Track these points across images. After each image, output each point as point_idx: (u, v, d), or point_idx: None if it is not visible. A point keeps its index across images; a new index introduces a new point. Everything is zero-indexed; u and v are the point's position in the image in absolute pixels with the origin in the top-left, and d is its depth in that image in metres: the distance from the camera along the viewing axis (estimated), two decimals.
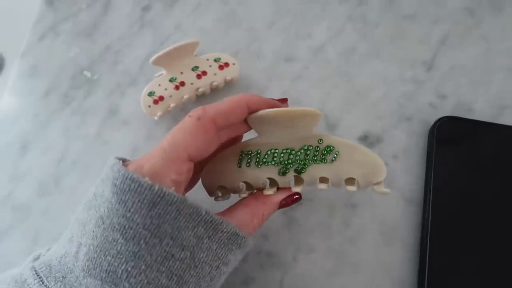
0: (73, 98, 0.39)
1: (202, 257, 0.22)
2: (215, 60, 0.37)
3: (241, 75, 0.38)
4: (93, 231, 0.21)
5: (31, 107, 0.39)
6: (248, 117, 0.26)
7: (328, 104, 0.37)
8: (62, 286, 0.21)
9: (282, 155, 0.27)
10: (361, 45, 0.40)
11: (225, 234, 0.23)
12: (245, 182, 0.28)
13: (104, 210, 0.21)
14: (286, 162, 0.27)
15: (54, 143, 0.37)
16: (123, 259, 0.21)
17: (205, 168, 0.28)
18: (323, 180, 0.27)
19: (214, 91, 0.38)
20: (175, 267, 0.22)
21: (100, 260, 0.21)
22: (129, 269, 0.21)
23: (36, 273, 0.22)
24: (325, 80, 0.38)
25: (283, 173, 0.27)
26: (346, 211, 0.33)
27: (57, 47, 0.41)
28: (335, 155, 0.27)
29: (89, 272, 0.21)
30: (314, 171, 0.27)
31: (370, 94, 0.37)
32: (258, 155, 0.27)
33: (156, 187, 0.21)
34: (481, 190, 0.32)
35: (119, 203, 0.21)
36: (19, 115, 0.39)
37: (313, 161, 0.27)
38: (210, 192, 0.28)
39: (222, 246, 0.23)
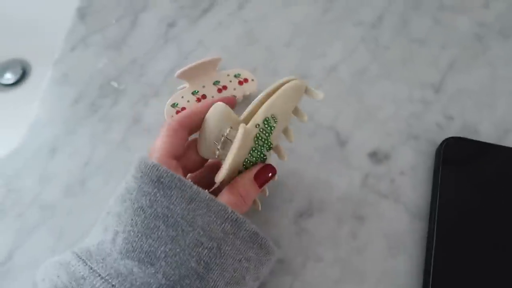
0: (100, 106, 0.42)
1: (227, 249, 0.26)
2: (235, 76, 0.39)
3: (258, 90, 0.40)
4: (132, 219, 0.25)
5: (60, 113, 0.42)
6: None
7: (340, 121, 0.39)
8: (104, 266, 0.24)
9: (250, 156, 0.30)
10: (372, 66, 0.42)
11: (247, 232, 0.27)
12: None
13: (146, 202, 0.25)
14: (257, 156, 0.30)
15: (81, 148, 0.40)
16: (163, 242, 0.25)
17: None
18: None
19: None
20: (204, 254, 0.25)
21: (141, 243, 0.25)
22: (167, 250, 0.24)
23: (78, 256, 0.25)
24: (338, 98, 0.41)
25: (263, 161, 0.31)
26: (353, 223, 0.35)
27: (87, 58, 0.44)
28: (274, 120, 0.30)
29: (127, 255, 0.25)
30: (274, 137, 0.30)
31: (380, 112, 0.39)
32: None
33: (195, 187, 0.26)
34: (485, 208, 0.34)
35: (164, 196, 0.25)
36: (49, 121, 0.41)
37: (268, 136, 0.30)
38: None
39: (244, 242, 0.27)
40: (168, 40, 0.45)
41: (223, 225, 0.26)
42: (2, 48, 0.70)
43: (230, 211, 0.26)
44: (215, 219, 0.26)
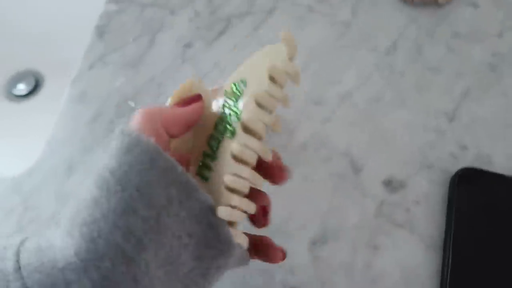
0: (117, 125, 0.42)
1: (168, 222, 0.20)
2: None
3: None
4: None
5: (77, 131, 0.42)
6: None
7: (354, 147, 0.40)
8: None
9: (215, 131, 0.25)
10: (387, 93, 0.42)
11: (197, 203, 0.21)
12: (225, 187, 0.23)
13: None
14: (222, 128, 0.24)
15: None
16: (84, 206, 0.19)
17: None
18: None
19: None
20: (136, 225, 0.19)
21: (70, 208, 0.20)
22: (86, 216, 0.19)
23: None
24: (352, 124, 0.41)
25: (232, 133, 0.23)
26: (368, 252, 0.35)
27: (105, 76, 0.45)
28: (243, 83, 0.24)
29: (63, 228, 0.20)
30: (245, 104, 0.23)
31: (395, 140, 0.40)
32: (206, 155, 0.25)
33: (134, 134, 0.20)
34: (499, 240, 0.34)
35: (108, 148, 0.21)
36: (67, 139, 0.42)
37: (236, 102, 0.24)
38: None
39: (191, 216, 0.21)
40: (185, 60, 0.45)
41: (168, 189, 0.20)
42: (16, 58, 0.71)
43: (179, 170, 0.20)
44: (157, 179, 0.20)
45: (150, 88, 0.44)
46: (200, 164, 0.25)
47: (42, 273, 0.18)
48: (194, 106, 0.25)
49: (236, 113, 0.24)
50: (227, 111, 0.24)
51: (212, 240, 0.22)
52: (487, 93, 0.42)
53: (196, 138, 0.25)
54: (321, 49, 0.45)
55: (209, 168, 0.24)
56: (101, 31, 0.47)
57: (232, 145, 0.23)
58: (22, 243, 0.20)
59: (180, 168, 0.20)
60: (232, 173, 0.22)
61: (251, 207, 0.24)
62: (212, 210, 0.22)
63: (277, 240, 0.36)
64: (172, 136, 0.23)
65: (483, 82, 0.42)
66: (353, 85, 0.43)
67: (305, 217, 0.37)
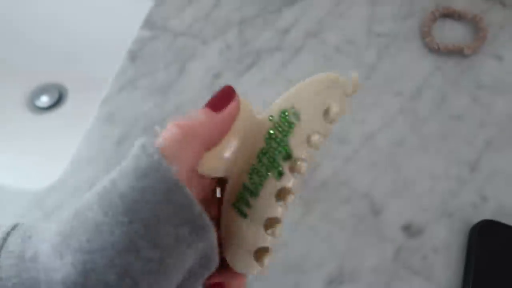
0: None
1: (171, 263, 0.18)
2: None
3: None
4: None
5: (103, 152, 0.43)
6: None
7: (375, 189, 0.40)
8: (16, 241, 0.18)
9: (259, 164, 0.23)
10: (410, 137, 0.43)
11: (205, 244, 0.20)
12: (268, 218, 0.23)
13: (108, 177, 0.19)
14: (269, 164, 0.23)
15: None
16: (84, 227, 0.17)
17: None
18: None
19: None
20: (135, 266, 0.17)
21: (68, 223, 0.18)
22: (83, 240, 0.17)
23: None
24: (374, 165, 0.41)
25: (279, 174, 0.23)
26: None
27: (134, 100, 0.46)
28: (295, 116, 0.23)
29: (54, 241, 0.18)
30: (296, 142, 0.23)
31: (416, 185, 0.40)
32: (246, 189, 0.23)
33: (156, 156, 0.18)
34: None
35: (116, 169, 0.19)
36: (92, 158, 0.43)
37: (285, 136, 0.23)
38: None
39: (195, 254, 0.20)
40: (213, 90, 0.46)
41: (179, 228, 0.18)
42: (42, 71, 0.73)
43: (198, 210, 0.19)
44: (168, 215, 0.18)
45: (177, 115, 0.45)
46: (238, 194, 0.23)
47: None
48: (230, 109, 0.22)
49: (286, 151, 0.23)
50: (274, 144, 0.23)
51: (205, 264, 0.21)
52: (509, 145, 0.42)
53: (239, 155, 0.23)
54: None
55: (247, 204, 0.23)
56: (133, 56, 0.49)
57: (289, 196, 0.22)
58: (12, 230, 0.19)
59: (198, 208, 0.19)
60: (273, 216, 0.23)
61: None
62: (214, 247, 0.20)
63: (293, 277, 0.36)
64: (208, 149, 0.22)
65: (505, 134, 0.43)
66: (377, 127, 0.43)
67: (323, 255, 0.37)
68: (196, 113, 0.22)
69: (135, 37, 0.50)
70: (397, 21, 0.51)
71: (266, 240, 0.23)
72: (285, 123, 0.23)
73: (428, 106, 0.45)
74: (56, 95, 0.72)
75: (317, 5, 0.52)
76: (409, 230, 0.38)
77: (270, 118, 0.23)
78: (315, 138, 0.22)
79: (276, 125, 0.23)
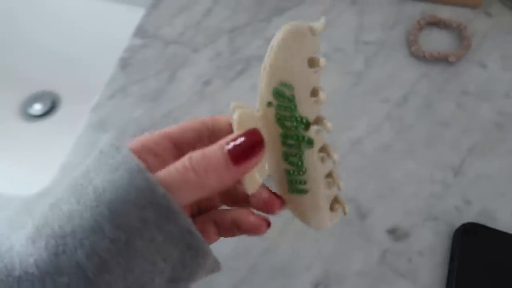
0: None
1: (140, 246, 0.19)
2: None
3: None
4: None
5: None
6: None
7: (362, 193, 0.41)
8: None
9: (288, 148, 0.24)
10: (396, 143, 0.44)
11: (176, 228, 0.19)
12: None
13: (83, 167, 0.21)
14: (296, 142, 0.23)
15: None
16: (57, 215, 0.19)
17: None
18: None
19: None
20: (101, 246, 0.18)
21: (41, 217, 0.19)
22: (56, 228, 0.18)
23: None
24: (360, 170, 0.42)
25: (309, 143, 0.23)
26: None
27: (124, 107, 0.46)
28: (288, 87, 0.23)
29: (27, 231, 0.19)
30: (304, 107, 0.23)
31: (401, 190, 0.41)
32: (291, 173, 0.24)
33: (125, 151, 0.20)
34: None
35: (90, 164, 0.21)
36: (81, 164, 0.43)
37: (293, 111, 0.23)
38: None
39: (169, 240, 0.19)
40: (203, 97, 0.47)
41: (145, 211, 0.18)
42: (35, 78, 0.73)
43: (160, 193, 0.19)
44: (134, 198, 0.18)
45: (167, 121, 0.45)
46: (290, 183, 0.24)
47: None
48: (251, 164, 0.21)
49: (302, 121, 0.23)
50: (288, 124, 0.23)
51: (189, 260, 0.21)
52: (493, 150, 0.43)
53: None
54: (335, 96, 0.47)
55: (301, 182, 0.24)
56: (124, 63, 0.50)
57: (329, 148, 0.24)
58: None
59: (161, 191, 0.19)
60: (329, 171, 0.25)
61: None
62: (191, 233, 0.20)
63: (280, 280, 0.36)
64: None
65: (489, 140, 0.44)
66: (364, 133, 0.44)
67: (310, 259, 0.37)
68: (214, 153, 0.20)
69: (126, 45, 0.51)
70: (385, 30, 0.52)
71: (333, 191, 0.25)
72: (284, 99, 0.23)
73: (414, 112, 0.46)
74: (49, 103, 0.72)
75: (306, 14, 0.53)
76: (395, 233, 0.38)
77: (269, 104, 0.23)
78: (316, 90, 0.23)
79: (278, 106, 0.23)
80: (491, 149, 0.43)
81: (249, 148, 0.21)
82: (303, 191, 0.24)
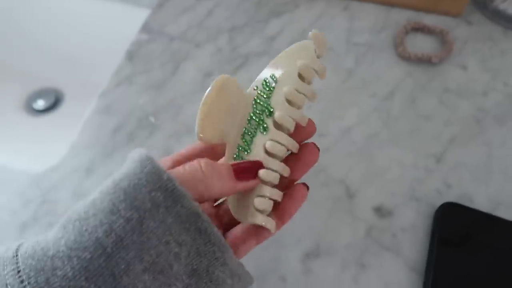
0: (136, 136, 0.46)
1: (151, 226, 0.21)
2: None
3: None
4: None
5: (100, 139, 0.46)
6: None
7: (350, 176, 0.44)
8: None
9: (248, 125, 0.27)
10: (383, 132, 0.47)
11: (184, 210, 0.22)
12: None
13: None
14: (256, 123, 0.26)
15: (115, 171, 0.44)
16: (83, 205, 0.21)
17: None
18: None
19: None
20: (117, 224, 0.20)
21: (70, 211, 0.22)
22: (81, 213, 0.21)
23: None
24: (350, 156, 0.45)
25: (265, 129, 0.26)
26: (356, 269, 0.38)
27: (130, 94, 0.50)
28: (273, 79, 0.27)
29: (59, 223, 0.22)
30: (276, 100, 0.26)
31: (387, 174, 0.44)
32: (241, 148, 0.27)
33: (144, 154, 0.22)
34: (476, 268, 0.37)
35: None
36: (90, 144, 0.46)
37: (267, 98, 0.26)
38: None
39: (178, 222, 0.22)
40: (204, 87, 0.50)
41: (153, 193, 0.21)
42: (40, 75, 0.76)
43: (166, 177, 0.21)
44: (144, 182, 0.21)
45: (170, 108, 0.49)
46: (235, 156, 0.27)
47: (34, 259, 0.20)
48: (248, 185, 0.25)
49: (268, 109, 0.26)
50: (259, 107, 0.26)
51: (203, 245, 0.22)
52: (471, 141, 0.47)
53: (233, 127, 0.27)
54: (327, 90, 0.50)
55: (243, 159, 0.26)
56: (131, 55, 0.53)
57: (267, 142, 0.26)
58: (27, 239, 0.23)
59: (166, 175, 0.21)
60: (266, 166, 0.25)
61: (279, 196, 0.26)
62: (199, 215, 0.22)
63: (272, 249, 0.39)
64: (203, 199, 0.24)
65: (468, 132, 0.47)
66: (353, 122, 0.48)
67: (301, 232, 0.40)
68: (221, 165, 0.24)
69: (133, 40, 0.54)
70: (373, 33, 0.56)
71: (264, 189, 0.25)
72: (266, 88, 0.27)
73: (399, 106, 0.49)
74: (52, 99, 0.75)
75: (301, 17, 0.57)
76: (380, 211, 0.41)
77: (255, 88, 0.27)
78: (287, 90, 0.26)
79: (259, 91, 0.27)
80: (470, 140, 0.47)
81: (251, 170, 0.25)
82: None
